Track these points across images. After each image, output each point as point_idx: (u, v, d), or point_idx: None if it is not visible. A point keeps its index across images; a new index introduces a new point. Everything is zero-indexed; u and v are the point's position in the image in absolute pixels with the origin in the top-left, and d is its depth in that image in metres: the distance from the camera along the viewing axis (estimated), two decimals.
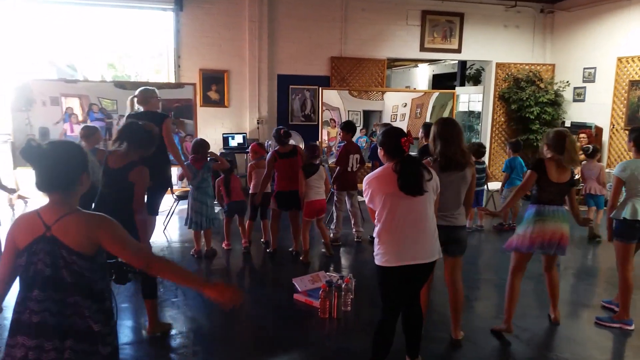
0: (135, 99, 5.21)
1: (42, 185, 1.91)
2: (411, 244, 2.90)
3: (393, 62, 14.53)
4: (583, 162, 6.83)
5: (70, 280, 1.87)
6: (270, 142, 7.21)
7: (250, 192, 5.85)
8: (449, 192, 3.44)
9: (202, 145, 5.46)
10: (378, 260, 2.96)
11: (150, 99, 5.11)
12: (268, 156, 5.51)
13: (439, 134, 3.47)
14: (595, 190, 6.79)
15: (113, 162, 3.46)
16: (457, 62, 11.95)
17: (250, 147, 6.06)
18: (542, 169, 3.73)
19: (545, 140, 3.85)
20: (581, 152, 6.71)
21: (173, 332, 3.81)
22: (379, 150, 3.06)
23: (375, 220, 3.00)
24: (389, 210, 2.89)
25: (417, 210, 2.91)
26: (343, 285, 4.17)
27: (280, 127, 5.63)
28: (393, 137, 2.96)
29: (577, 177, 6.30)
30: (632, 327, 4.03)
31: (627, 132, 8.68)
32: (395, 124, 9.13)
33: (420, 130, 6.46)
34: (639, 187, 3.95)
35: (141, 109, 5.15)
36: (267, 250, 5.75)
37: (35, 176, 1.90)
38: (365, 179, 3.02)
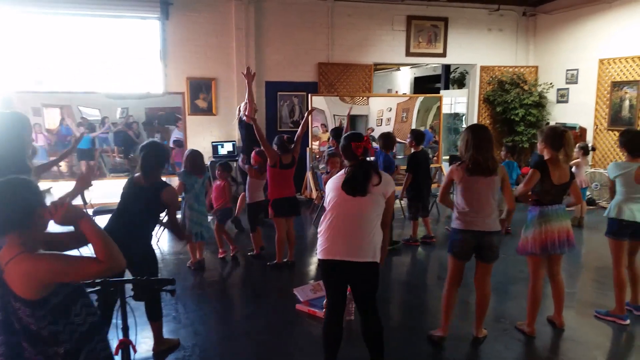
0: None
1: None
2: (343, 241, 3.02)
3: (375, 66, 14.57)
4: (577, 160, 7.04)
5: (18, 327, 1.82)
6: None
7: (247, 202, 5.84)
8: (477, 196, 3.54)
9: (200, 156, 5.46)
10: (317, 253, 3.17)
11: None
12: (271, 160, 5.40)
13: (471, 140, 3.54)
14: (580, 184, 7.09)
15: (139, 180, 3.52)
16: (438, 65, 12.05)
17: (252, 156, 5.98)
18: (545, 170, 3.75)
19: (541, 137, 3.89)
20: (580, 149, 6.89)
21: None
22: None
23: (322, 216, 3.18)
24: (332, 207, 3.10)
25: (356, 210, 3.04)
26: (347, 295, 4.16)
27: (283, 134, 5.63)
28: (346, 142, 3.14)
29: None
30: (627, 322, 4.13)
31: (610, 132, 8.88)
32: (381, 129, 9.22)
33: (409, 136, 6.53)
34: (632, 191, 4.08)
35: None
36: (269, 264, 5.61)
37: None
38: (329, 181, 3.24)
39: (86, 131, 7.63)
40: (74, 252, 2.04)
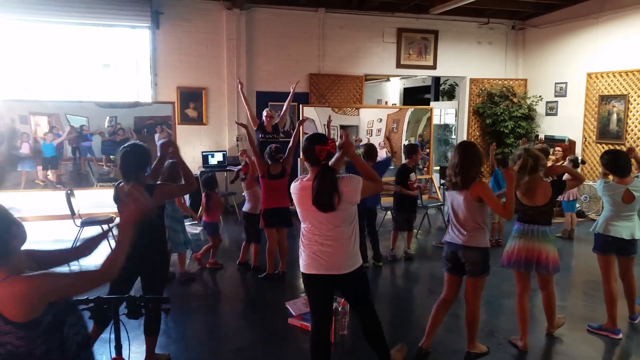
0: None
1: None
2: (324, 256, 2.98)
3: (366, 77, 14.64)
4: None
5: (2, 351, 1.76)
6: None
7: (248, 212, 5.81)
8: (454, 211, 3.60)
9: (176, 167, 5.30)
10: (301, 267, 3.12)
11: None
12: (260, 169, 5.37)
13: (454, 157, 3.57)
14: (569, 197, 7.28)
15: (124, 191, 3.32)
16: (428, 76, 12.13)
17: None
18: (515, 192, 3.81)
19: (512, 163, 3.95)
20: (570, 162, 6.97)
21: None
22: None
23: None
24: (305, 219, 3.03)
25: (331, 224, 2.96)
26: (339, 309, 4.12)
27: (271, 144, 5.59)
28: (309, 145, 2.99)
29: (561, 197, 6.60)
30: (620, 336, 4.13)
31: (598, 145, 8.97)
32: (371, 139, 9.24)
33: (403, 150, 6.57)
34: (620, 209, 4.12)
35: None
36: (260, 276, 5.56)
37: None
38: (292, 186, 3.09)
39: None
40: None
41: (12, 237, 1.85)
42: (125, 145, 3.37)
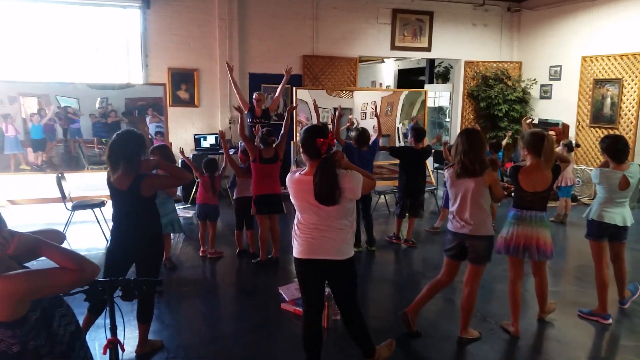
0: None
1: None
2: (318, 242, 2.97)
3: (360, 58, 14.52)
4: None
5: None
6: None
7: (234, 197, 5.73)
8: (462, 199, 3.57)
9: (168, 149, 5.19)
10: (294, 252, 3.11)
11: None
12: (251, 154, 5.29)
13: (461, 144, 3.53)
14: (566, 182, 7.26)
15: (118, 183, 3.24)
16: (422, 58, 12.04)
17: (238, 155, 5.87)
18: (515, 179, 3.82)
19: (522, 143, 3.90)
20: (564, 146, 6.95)
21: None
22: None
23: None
24: (301, 210, 3.01)
25: (328, 215, 2.94)
26: (331, 294, 4.11)
27: (264, 127, 5.52)
28: (310, 137, 2.92)
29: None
30: (610, 322, 4.18)
31: (592, 129, 8.97)
32: (365, 122, 9.18)
33: (410, 133, 6.47)
34: (614, 196, 4.11)
35: None
36: (253, 261, 5.55)
37: None
38: (288, 178, 3.05)
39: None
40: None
41: None
42: (118, 132, 3.32)
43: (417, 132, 6.28)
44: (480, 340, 3.86)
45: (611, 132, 8.04)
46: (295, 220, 3.09)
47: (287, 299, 4.40)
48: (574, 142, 7.27)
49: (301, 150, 3.01)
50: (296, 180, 2.99)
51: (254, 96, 7.77)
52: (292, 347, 3.76)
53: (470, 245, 3.60)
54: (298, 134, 8.60)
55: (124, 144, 3.21)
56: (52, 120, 7.62)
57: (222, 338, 3.95)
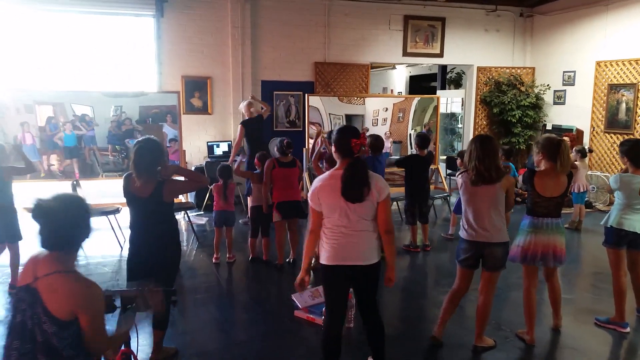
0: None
1: (46, 244, 1.89)
2: (349, 247, 2.99)
3: (371, 64, 14.56)
4: (576, 162, 7.02)
5: (40, 338, 1.81)
6: (238, 158, 7.05)
7: (249, 205, 5.78)
8: (479, 206, 3.54)
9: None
10: (321, 259, 3.09)
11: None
12: (267, 163, 5.41)
13: (474, 150, 3.51)
14: (579, 188, 7.15)
15: (140, 191, 3.27)
16: (434, 64, 12.02)
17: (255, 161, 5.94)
18: (531, 183, 3.78)
19: (537, 148, 3.87)
20: (577, 152, 6.88)
21: None
22: (332, 146, 3.12)
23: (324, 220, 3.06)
24: (331, 214, 3.00)
25: (357, 215, 2.97)
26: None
27: (284, 137, 5.57)
28: (344, 137, 3.00)
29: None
30: (627, 330, 4.12)
31: (607, 134, 8.88)
32: (377, 129, 9.17)
33: (414, 140, 6.47)
34: (633, 202, 4.05)
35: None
36: (276, 264, 5.61)
37: (40, 234, 1.89)
38: (316, 180, 3.08)
39: None
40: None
41: (89, 231, 1.99)
42: (140, 140, 3.38)
43: (422, 139, 6.33)
44: (496, 349, 3.83)
45: (626, 137, 7.95)
46: (322, 227, 3.08)
47: (300, 307, 4.40)
48: (587, 148, 7.18)
49: (334, 148, 3.08)
50: (328, 176, 3.04)
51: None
52: (307, 354, 3.77)
53: (489, 252, 3.56)
54: (309, 140, 8.60)
55: (149, 152, 3.26)
56: (78, 128, 7.74)
57: (236, 345, 3.96)
